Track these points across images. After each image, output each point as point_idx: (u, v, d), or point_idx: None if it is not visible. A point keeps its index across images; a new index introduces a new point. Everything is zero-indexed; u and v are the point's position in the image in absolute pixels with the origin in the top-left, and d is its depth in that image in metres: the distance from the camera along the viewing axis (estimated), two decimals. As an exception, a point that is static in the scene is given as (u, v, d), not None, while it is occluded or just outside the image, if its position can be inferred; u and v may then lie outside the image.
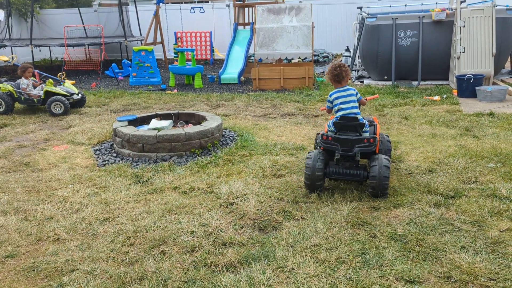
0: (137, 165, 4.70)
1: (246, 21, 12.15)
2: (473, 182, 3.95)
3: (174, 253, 2.93)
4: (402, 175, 4.17)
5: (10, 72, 13.37)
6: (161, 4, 13.39)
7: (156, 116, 5.84)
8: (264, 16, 10.06)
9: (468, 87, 7.80)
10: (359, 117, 3.81)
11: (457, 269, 2.64)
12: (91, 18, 15.47)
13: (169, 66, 10.78)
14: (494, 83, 8.58)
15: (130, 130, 5.05)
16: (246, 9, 12.17)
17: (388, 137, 4.42)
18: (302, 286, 2.53)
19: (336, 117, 3.84)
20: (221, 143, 5.31)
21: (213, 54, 14.62)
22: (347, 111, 3.83)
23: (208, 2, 15.31)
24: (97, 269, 2.76)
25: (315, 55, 13.28)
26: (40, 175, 4.48)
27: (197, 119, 5.81)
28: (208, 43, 14.48)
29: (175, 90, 9.73)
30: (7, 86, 7.45)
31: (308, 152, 3.88)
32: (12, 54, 12.61)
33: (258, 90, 9.41)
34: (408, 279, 2.57)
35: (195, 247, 2.98)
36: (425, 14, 9.18)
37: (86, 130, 6.24)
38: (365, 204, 3.56)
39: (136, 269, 2.76)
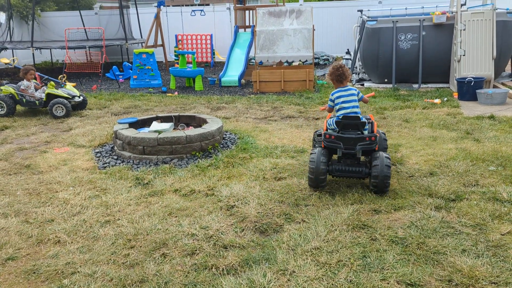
0: (137, 167, 4.70)
1: (247, 24, 12.18)
2: (474, 185, 3.95)
3: (174, 256, 2.93)
4: (402, 178, 4.17)
5: (11, 74, 13.39)
6: (162, 6, 13.42)
7: (157, 118, 5.85)
8: (264, 19, 10.08)
9: (469, 90, 7.81)
10: (360, 116, 3.90)
11: (458, 273, 2.64)
12: (92, 20, 15.52)
13: (169, 68, 10.80)
14: (494, 86, 8.59)
15: (131, 133, 5.06)
16: (247, 12, 12.20)
17: (385, 134, 4.50)
18: (303, 289, 2.53)
19: (338, 116, 3.92)
20: (221, 145, 5.32)
21: (214, 57, 14.65)
22: (348, 110, 3.95)
23: (209, 5, 15.34)
24: (98, 271, 2.76)
25: (315, 58, 13.30)
26: (40, 178, 4.48)
27: (198, 122, 5.82)
28: (208, 45, 14.51)
29: (176, 93, 9.74)
30: (9, 89, 7.46)
31: (311, 150, 3.98)
32: (13, 56, 12.64)
33: (258, 93, 9.43)
34: (409, 282, 2.57)
35: (195, 250, 2.98)
36: (426, 17, 9.20)
37: (87, 132, 6.25)
38: (366, 207, 3.56)
39: (137, 271, 2.75)
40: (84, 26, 14.92)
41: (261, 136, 5.81)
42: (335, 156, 3.98)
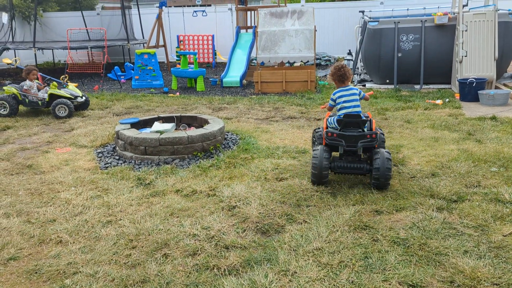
0: (139, 168, 4.71)
1: (248, 24, 12.19)
2: (476, 186, 3.94)
3: (176, 256, 2.93)
4: (404, 179, 4.17)
5: (13, 74, 13.43)
6: (163, 7, 13.44)
7: (158, 119, 5.85)
8: (266, 19, 10.09)
9: (471, 91, 7.80)
10: (362, 114, 4.01)
11: (460, 274, 2.63)
12: (94, 21, 15.54)
13: (171, 69, 10.81)
14: (496, 87, 8.57)
15: (133, 133, 5.06)
16: (249, 12, 12.21)
17: (382, 130, 4.55)
18: (305, 290, 2.53)
19: (339, 115, 4.04)
20: (223, 146, 5.32)
21: (215, 58, 14.65)
22: (350, 109, 4.06)
23: (210, 5, 15.36)
24: (100, 272, 2.76)
25: (317, 59, 13.30)
26: (42, 178, 4.49)
27: (200, 122, 5.82)
28: (210, 46, 14.52)
29: (178, 93, 9.75)
30: (12, 89, 7.48)
31: (314, 148, 4.11)
32: (15, 56, 12.67)
33: (260, 94, 9.43)
34: (411, 283, 2.56)
35: (197, 250, 2.98)
36: (427, 18, 9.19)
37: (88, 132, 6.26)
38: (368, 207, 3.56)
39: (139, 272, 2.76)
40: (86, 27, 14.95)
41: (262, 137, 5.81)
42: (335, 154, 4.09)
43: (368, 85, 9.86)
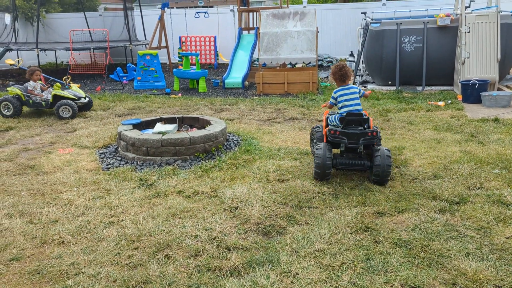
0: (141, 168, 4.72)
1: (251, 25, 12.20)
2: (478, 188, 3.93)
3: (178, 257, 2.93)
4: (406, 180, 4.16)
5: (16, 75, 13.47)
6: (166, 8, 13.47)
7: (160, 120, 5.86)
8: (268, 21, 10.09)
9: (473, 92, 7.78)
10: (363, 113, 4.17)
11: (463, 276, 2.63)
12: (96, 22, 15.59)
13: (173, 70, 10.83)
14: (499, 89, 8.56)
15: (135, 134, 5.07)
16: (251, 13, 12.22)
17: (377, 128, 4.61)
18: (307, 292, 2.52)
19: (341, 113, 4.21)
20: (225, 147, 5.32)
21: (218, 59, 14.68)
22: (351, 108, 4.22)
23: (212, 7, 15.39)
24: (102, 272, 2.77)
25: (319, 60, 13.31)
26: (45, 178, 4.50)
27: (202, 123, 5.83)
28: (212, 47, 14.54)
29: (180, 94, 9.76)
30: (15, 90, 7.51)
31: (316, 145, 4.24)
32: (18, 57, 12.72)
33: (262, 95, 9.43)
34: (413, 285, 2.56)
35: (199, 251, 2.98)
36: (430, 20, 9.19)
37: (91, 133, 6.27)
38: (370, 209, 3.55)
39: (141, 273, 2.76)
40: (88, 28, 15.00)
41: (264, 138, 5.81)
42: (335, 151, 4.26)
43: (370, 86, 9.85)
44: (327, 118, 4.43)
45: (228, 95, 9.52)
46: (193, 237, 3.18)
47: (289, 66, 11.64)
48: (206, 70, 10.55)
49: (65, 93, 7.55)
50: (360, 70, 10.96)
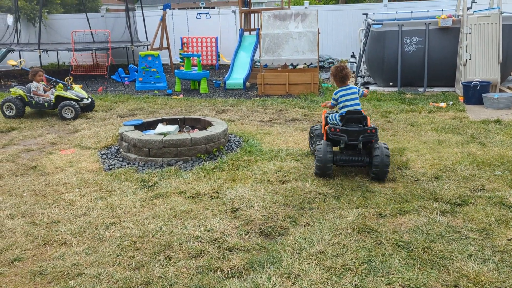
0: (143, 169, 4.72)
1: (252, 27, 12.21)
2: (480, 189, 3.93)
3: (179, 258, 2.93)
4: (408, 182, 4.16)
5: (18, 76, 13.50)
6: (167, 9, 13.49)
7: (162, 121, 5.87)
8: (270, 22, 10.10)
9: (475, 94, 7.78)
10: (362, 111, 4.34)
11: (464, 278, 2.62)
12: (98, 23, 15.63)
13: (175, 71, 10.84)
14: (500, 90, 8.55)
15: (137, 135, 5.08)
16: (252, 15, 12.23)
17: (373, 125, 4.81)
18: (308, 293, 2.52)
19: (341, 112, 4.36)
20: (226, 148, 5.33)
21: (219, 60, 14.69)
22: (351, 107, 4.37)
23: (214, 8, 15.41)
24: (103, 273, 2.77)
25: (320, 61, 13.31)
26: (47, 179, 4.51)
27: (203, 124, 5.84)
28: (214, 48, 14.56)
29: (181, 95, 9.78)
30: (18, 91, 7.52)
31: (317, 143, 4.34)
32: (20, 58, 12.75)
33: (263, 96, 9.44)
34: (414, 287, 2.56)
35: (200, 253, 2.99)
36: (431, 21, 9.18)
37: (92, 134, 6.28)
38: (371, 210, 3.55)
39: (142, 273, 2.76)
40: (90, 29, 15.03)
41: (265, 139, 5.81)
42: (335, 148, 4.38)
43: (371, 87, 9.85)
44: (326, 117, 4.59)
45: (229, 96, 9.53)
46: (194, 238, 3.18)
47: (290, 67, 11.64)
48: (208, 71, 10.56)
49: (68, 94, 7.57)
50: (361, 71, 10.96)
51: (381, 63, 9.49)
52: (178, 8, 15.09)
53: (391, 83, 9.55)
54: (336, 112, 4.56)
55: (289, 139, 5.83)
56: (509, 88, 8.87)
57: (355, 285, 2.58)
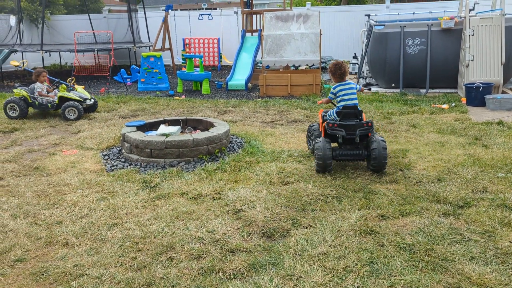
0: (145, 170, 4.73)
1: (254, 28, 12.22)
2: (483, 191, 3.92)
3: (181, 259, 2.93)
4: (410, 183, 4.15)
5: (21, 77, 13.54)
6: (170, 10, 13.52)
7: (164, 122, 5.88)
8: (272, 23, 10.11)
9: (477, 95, 7.76)
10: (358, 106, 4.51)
11: (467, 280, 2.62)
12: (100, 24, 15.67)
13: (177, 72, 10.86)
14: (503, 92, 8.53)
15: (139, 136, 5.09)
16: (254, 16, 12.24)
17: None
18: (310, 295, 2.52)
19: (338, 107, 4.52)
20: (228, 149, 5.33)
21: (221, 61, 14.71)
22: (349, 102, 4.52)
23: (216, 9, 15.44)
24: (106, 274, 2.78)
25: (322, 62, 13.30)
26: (49, 180, 4.52)
27: (205, 125, 5.84)
28: (216, 49, 14.58)
29: (183, 96, 9.79)
30: (21, 91, 7.54)
31: (316, 141, 4.47)
32: (22, 59, 12.79)
33: (265, 97, 9.44)
34: (417, 289, 2.55)
35: (202, 254, 2.99)
36: (434, 22, 9.17)
37: (94, 135, 6.29)
38: (373, 212, 3.55)
39: (144, 274, 2.77)
40: (93, 30, 15.07)
41: (267, 140, 5.81)
42: (333, 145, 4.52)
43: (373, 89, 9.84)
44: (323, 116, 4.76)
45: (231, 97, 9.53)
46: (196, 239, 3.18)
47: (292, 68, 11.65)
48: (210, 72, 10.57)
49: (71, 95, 7.59)
50: (363, 72, 10.95)
51: (383, 64, 9.48)
52: (180, 9, 15.11)
53: (393, 85, 9.54)
54: (333, 108, 4.73)
55: (291, 140, 5.83)
56: (511, 89, 8.85)
57: (357, 287, 2.58)
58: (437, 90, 9.29)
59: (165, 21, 13.24)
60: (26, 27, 15.48)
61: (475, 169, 4.44)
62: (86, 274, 2.79)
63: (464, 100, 8.09)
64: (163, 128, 5.56)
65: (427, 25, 9.13)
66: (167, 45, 13.54)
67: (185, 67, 11.37)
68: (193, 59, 10.91)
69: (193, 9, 15.50)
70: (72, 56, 13.94)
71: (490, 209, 3.54)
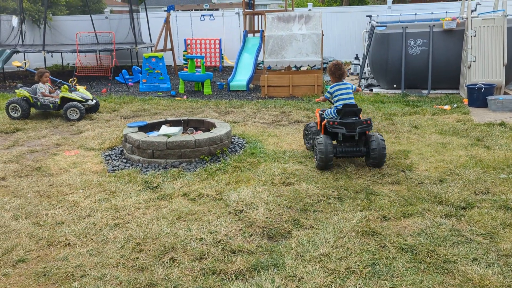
0: (146, 171, 4.73)
1: (256, 28, 12.23)
2: (485, 193, 3.91)
3: (183, 260, 2.93)
4: (412, 184, 4.15)
5: (23, 77, 13.57)
6: (171, 11, 13.54)
7: (166, 122, 5.88)
8: (273, 24, 10.11)
9: (479, 96, 7.75)
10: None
11: (469, 282, 2.61)
12: (102, 24, 15.70)
13: (178, 72, 10.86)
14: (505, 93, 8.52)
15: (140, 136, 5.09)
16: (256, 16, 12.25)
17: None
18: (312, 296, 2.52)
19: (336, 106, 4.69)
20: (230, 150, 5.33)
21: (223, 61, 14.71)
22: (346, 101, 4.68)
23: (218, 9, 15.45)
24: (107, 275, 2.78)
25: (324, 63, 13.29)
26: (51, 180, 4.53)
27: (207, 126, 5.84)
28: (217, 50, 14.58)
29: (185, 97, 9.80)
30: (23, 92, 7.56)
31: (317, 137, 4.59)
32: (24, 59, 12.82)
33: (266, 97, 9.44)
34: (419, 290, 2.54)
35: (204, 255, 2.99)
36: (436, 23, 9.16)
37: (96, 135, 6.30)
38: (375, 213, 3.54)
39: (146, 275, 2.77)
40: (94, 30, 15.09)
41: (269, 141, 5.81)
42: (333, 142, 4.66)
43: (375, 89, 9.83)
44: (320, 114, 4.93)
45: (233, 98, 9.53)
46: (198, 240, 3.18)
47: (294, 69, 11.65)
48: (211, 73, 10.58)
49: (73, 95, 7.61)
50: (365, 73, 10.94)
51: (385, 65, 9.48)
52: (182, 10, 15.13)
53: (395, 85, 9.53)
54: (330, 107, 4.88)
55: (293, 141, 5.83)
56: (513, 90, 8.83)
57: (359, 288, 2.57)
58: (439, 91, 9.28)
59: (166, 21, 13.26)
60: (28, 28, 15.52)
61: (477, 170, 4.43)
62: (88, 274, 2.79)
63: (466, 101, 8.08)
64: (164, 129, 5.56)
65: (429, 26, 9.12)
66: (168, 46, 13.55)
67: (186, 67, 11.38)
68: (195, 59, 10.92)
69: (195, 10, 15.50)
70: (74, 57, 13.97)
71: (492, 211, 3.53)
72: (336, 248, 3.02)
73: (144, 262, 2.91)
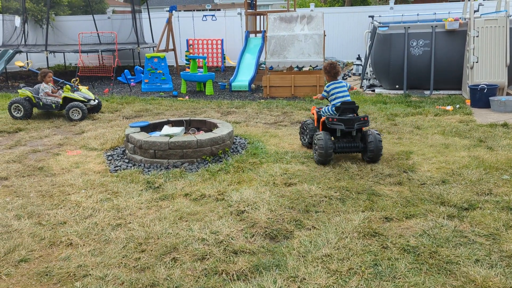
0: (148, 171, 4.74)
1: (258, 29, 12.23)
2: (487, 194, 3.90)
3: (185, 260, 2.93)
4: (414, 185, 4.14)
5: (25, 77, 13.61)
6: (173, 11, 13.55)
7: (168, 122, 5.89)
8: (275, 24, 10.11)
9: (482, 97, 7.73)
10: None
11: (472, 283, 2.60)
12: (105, 25, 15.73)
13: (181, 73, 10.87)
14: (508, 94, 8.49)
15: (142, 136, 5.10)
16: (258, 17, 12.25)
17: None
18: (314, 297, 2.52)
19: (334, 104, 4.92)
20: (232, 150, 5.33)
21: (225, 62, 14.72)
22: (343, 99, 4.93)
23: (220, 10, 15.45)
24: (109, 275, 2.78)
25: (326, 63, 13.28)
26: (53, 180, 4.54)
27: (209, 126, 5.84)
28: (219, 50, 14.59)
29: (187, 97, 9.80)
30: (26, 92, 7.58)
31: (316, 133, 4.77)
32: (27, 59, 12.85)
33: (268, 98, 9.44)
34: (421, 292, 2.54)
35: (206, 255, 2.99)
36: (438, 24, 9.14)
37: (98, 135, 6.31)
38: (377, 214, 3.53)
39: (148, 275, 2.77)
40: (97, 30, 15.12)
41: (271, 141, 5.81)
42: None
43: (377, 90, 9.82)
44: (317, 112, 5.13)
45: (235, 98, 9.54)
46: (200, 240, 3.18)
47: (296, 69, 11.64)
48: (213, 73, 10.58)
49: (76, 95, 7.62)
50: (367, 73, 10.93)
51: (387, 65, 9.46)
52: (184, 10, 15.13)
53: (397, 86, 9.52)
54: (327, 105, 5.09)
55: (295, 141, 5.83)
56: (516, 91, 8.80)
57: (361, 289, 2.57)
58: (441, 92, 9.26)
59: (169, 22, 13.27)
60: (30, 28, 15.55)
61: (479, 171, 4.42)
62: (90, 274, 2.79)
63: (468, 102, 8.06)
64: (166, 129, 5.56)
65: (432, 26, 9.11)
66: (171, 46, 13.57)
67: (188, 68, 11.39)
68: (197, 60, 10.93)
69: (197, 10, 15.51)
70: (76, 57, 14.01)
71: (495, 212, 3.52)
72: (338, 249, 3.01)
73: (146, 262, 2.92)
